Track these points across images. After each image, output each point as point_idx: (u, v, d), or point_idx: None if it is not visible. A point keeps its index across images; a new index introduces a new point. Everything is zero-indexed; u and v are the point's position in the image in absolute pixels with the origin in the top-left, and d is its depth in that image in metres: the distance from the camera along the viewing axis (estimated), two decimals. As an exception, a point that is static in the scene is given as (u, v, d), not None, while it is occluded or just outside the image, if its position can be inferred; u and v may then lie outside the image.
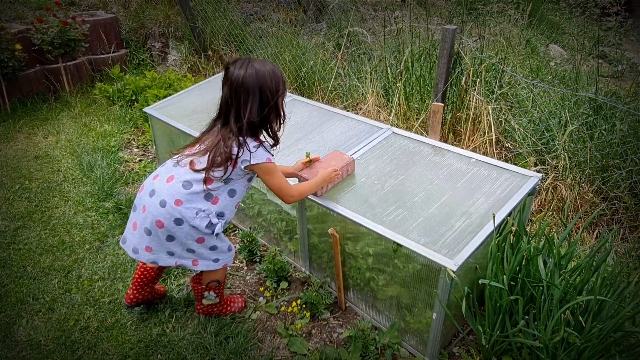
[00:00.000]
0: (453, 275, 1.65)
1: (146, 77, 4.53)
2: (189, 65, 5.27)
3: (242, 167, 1.78)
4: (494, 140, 3.25)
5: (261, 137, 1.84)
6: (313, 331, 2.13)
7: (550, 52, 6.46)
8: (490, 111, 3.25)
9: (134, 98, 4.48)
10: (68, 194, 3.27)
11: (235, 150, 1.74)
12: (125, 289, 2.36)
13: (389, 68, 3.88)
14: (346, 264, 2.14)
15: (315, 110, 2.88)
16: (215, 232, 1.83)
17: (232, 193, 1.85)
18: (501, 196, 1.96)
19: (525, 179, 2.02)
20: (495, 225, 1.77)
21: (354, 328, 2.03)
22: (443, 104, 2.54)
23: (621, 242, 2.85)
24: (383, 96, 3.88)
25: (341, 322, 2.17)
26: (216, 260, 1.96)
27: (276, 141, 1.86)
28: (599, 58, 5.95)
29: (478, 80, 3.26)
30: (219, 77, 3.54)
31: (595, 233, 2.89)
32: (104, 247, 2.70)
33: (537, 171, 3.10)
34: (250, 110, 1.71)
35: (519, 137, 3.29)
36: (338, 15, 4.92)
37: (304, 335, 2.10)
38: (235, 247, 2.70)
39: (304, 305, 2.21)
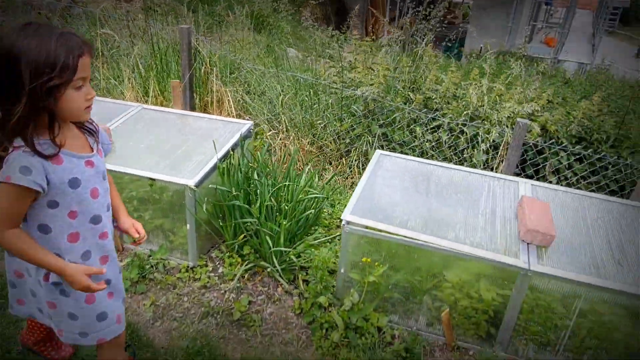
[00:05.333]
0: (195, 188, 2.34)
1: None
2: None
3: None
4: (235, 116, 4.11)
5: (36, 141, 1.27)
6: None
7: (288, 54, 7.88)
8: (229, 93, 4.10)
9: None
10: None
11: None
12: None
13: (140, 65, 4.40)
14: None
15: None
16: (51, 281, 1.42)
17: (43, 228, 1.39)
18: (227, 139, 2.75)
19: (241, 126, 2.86)
20: (219, 154, 2.54)
21: (131, 256, 2.55)
22: (179, 81, 3.23)
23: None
24: (139, 91, 4.38)
25: (120, 257, 2.65)
26: (83, 335, 1.52)
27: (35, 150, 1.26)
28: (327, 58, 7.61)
29: (215, 68, 4.07)
30: None
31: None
32: None
33: (271, 135, 4.09)
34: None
35: (254, 112, 4.24)
36: (78, 20, 5.13)
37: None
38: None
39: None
